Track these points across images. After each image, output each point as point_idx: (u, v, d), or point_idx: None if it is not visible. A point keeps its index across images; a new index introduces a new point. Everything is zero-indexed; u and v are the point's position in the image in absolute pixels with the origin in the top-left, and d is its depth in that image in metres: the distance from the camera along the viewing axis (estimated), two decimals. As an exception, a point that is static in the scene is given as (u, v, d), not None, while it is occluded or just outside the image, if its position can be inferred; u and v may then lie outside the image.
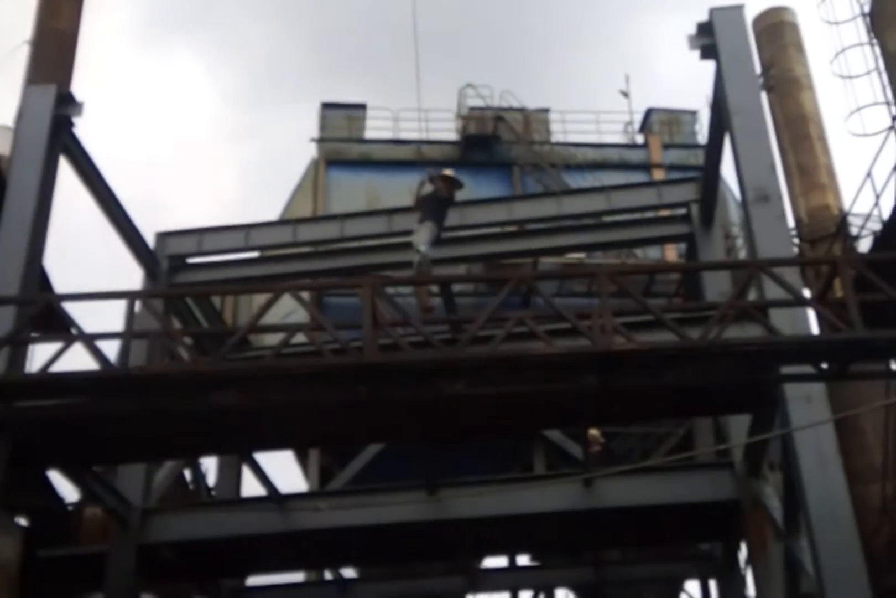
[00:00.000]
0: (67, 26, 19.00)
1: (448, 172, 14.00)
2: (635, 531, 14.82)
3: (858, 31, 16.54)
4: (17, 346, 10.32)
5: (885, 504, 13.58)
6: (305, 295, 14.24)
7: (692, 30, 12.70)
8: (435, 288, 17.62)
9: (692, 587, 21.63)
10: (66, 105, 12.78)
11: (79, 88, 17.12)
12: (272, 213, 22.74)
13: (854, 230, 16.71)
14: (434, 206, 13.48)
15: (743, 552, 15.06)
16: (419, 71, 20.72)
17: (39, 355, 11.36)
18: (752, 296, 11.91)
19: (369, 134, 23.23)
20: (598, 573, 17.47)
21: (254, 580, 18.83)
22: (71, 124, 12.82)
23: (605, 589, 21.44)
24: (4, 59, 19.00)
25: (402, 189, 20.29)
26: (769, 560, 12.51)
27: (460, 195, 18.02)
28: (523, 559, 21.34)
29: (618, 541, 16.30)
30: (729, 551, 15.50)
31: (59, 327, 9.88)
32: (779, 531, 11.79)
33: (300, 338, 10.24)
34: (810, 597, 10.65)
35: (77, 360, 9.78)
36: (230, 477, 19.04)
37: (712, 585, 18.70)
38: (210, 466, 19.87)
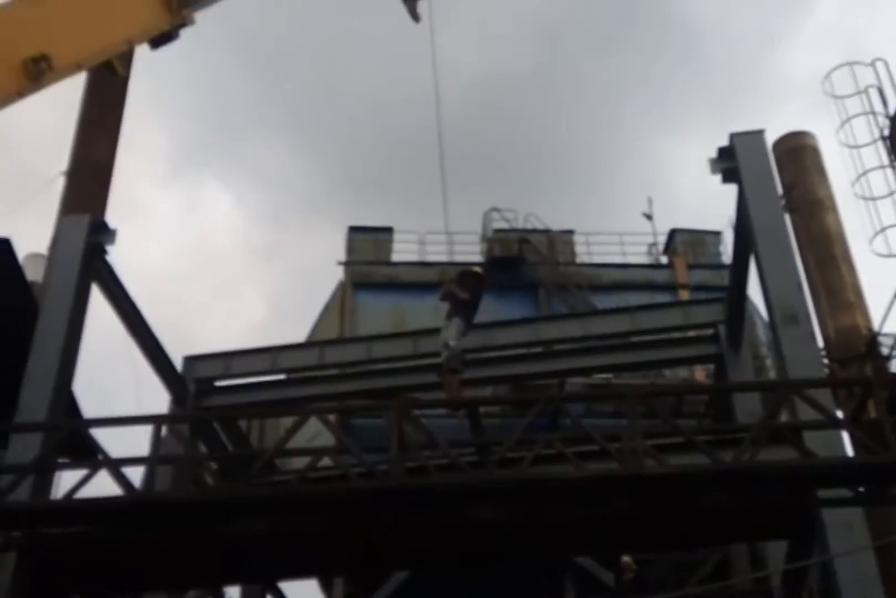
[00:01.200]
0: (103, 158, 19.55)
1: (476, 268, 14.34)
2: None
3: (879, 153, 16.77)
4: (44, 472, 10.26)
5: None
6: (332, 418, 14.20)
7: (713, 153, 12.93)
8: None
9: None
10: (99, 233, 13.07)
11: (112, 218, 17.49)
12: (299, 335, 22.89)
13: (885, 350, 16.58)
14: (459, 304, 13.52)
15: None
16: (446, 193, 21.03)
17: (68, 480, 11.32)
18: (784, 417, 11.75)
19: (396, 257, 23.53)
20: None
21: None
22: (104, 252, 13.08)
23: None
24: (41, 189, 19.51)
25: (427, 311, 20.39)
26: None
27: (487, 317, 18.15)
28: None
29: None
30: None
31: (87, 453, 9.86)
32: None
33: (326, 461, 10.16)
34: None
35: (103, 486, 9.72)
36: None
37: None
38: (234, 595, 19.46)
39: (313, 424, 10.76)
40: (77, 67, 14.67)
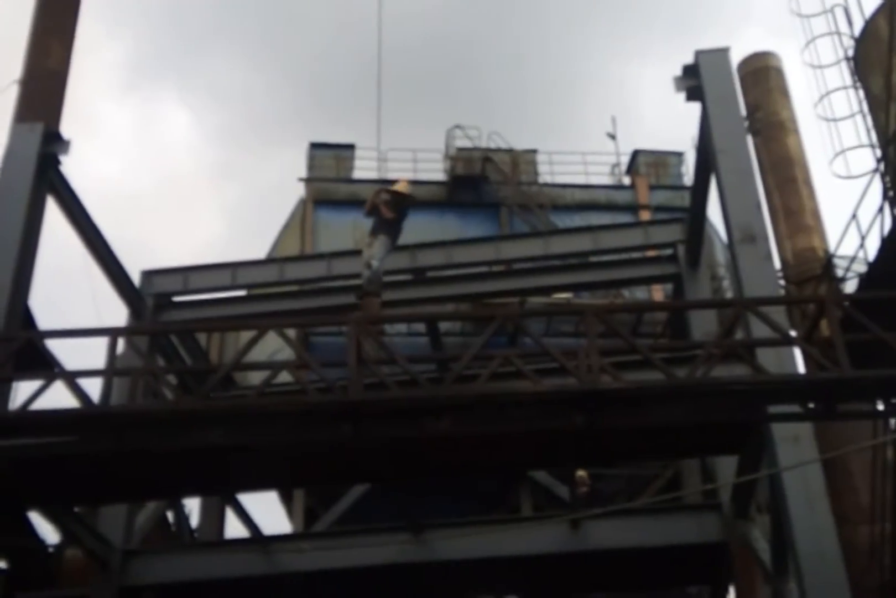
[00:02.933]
0: (57, 66, 19.09)
1: (403, 186, 13.70)
2: (623, 574, 14.65)
3: (842, 74, 16.73)
4: (-1, 383, 10.21)
5: (873, 546, 13.48)
6: (291, 333, 14.19)
7: (678, 73, 12.82)
8: (422, 326, 17.66)
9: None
10: (53, 143, 12.81)
11: (66, 128, 17.15)
12: (260, 252, 22.76)
13: (840, 272, 16.78)
14: (383, 221, 13.15)
15: (731, 595, 14.91)
16: (380, 112, 20.81)
17: (24, 393, 11.28)
18: (739, 336, 11.90)
19: (357, 174, 23.33)
20: (585, 616, 17.28)
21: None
22: (58, 162, 12.84)
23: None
24: (-6, 98, 19.04)
25: (389, 229, 20.32)
26: (758, 603, 12.39)
27: (448, 234, 18.10)
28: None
29: (605, 584, 16.07)
30: (717, 594, 15.32)
31: (43, 366, 9.78)
32: (767, 574, 11.67)
33: (286, 377, 10.16)
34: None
35: (60, 398, 9.68)
36: (213, 519, 18.84)
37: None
38: (193, 507, 19.67)
39: (273, 341, 10.73)
40: None
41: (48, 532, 16.76)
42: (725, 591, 15.00)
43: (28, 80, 18.85)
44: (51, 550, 17.66)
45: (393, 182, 14.27)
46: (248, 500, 18.34)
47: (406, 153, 23.61)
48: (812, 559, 9.67)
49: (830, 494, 10.18)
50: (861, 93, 16.25)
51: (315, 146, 23.43)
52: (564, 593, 17.89)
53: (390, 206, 13.15)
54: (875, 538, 13.74)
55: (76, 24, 19.93)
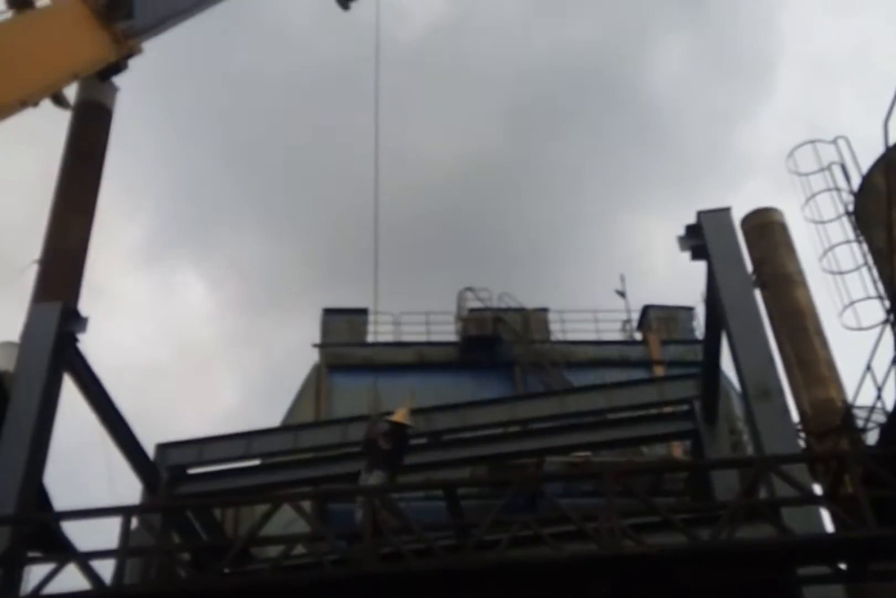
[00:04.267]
0: (76, 246, 19.56)
1: (399, 416, 12.87)
2: None
3: (844, 228, 17.01)
4: (12, 567, 10.02)
5: None
6: (306, 504, 14.01)
7: (681, 230, 13.07)
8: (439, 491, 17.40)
9: None
10: (70, 321, 13.02)
11: (84, 306, 17.44)
12: (275, 419, 22.71)
13: (860, 423, 16.60)
14: (381, 454, 12.41)
15: None
16: (377, 276, 21.22)
17: (38, 575, 11.06)
18: (761, 493, 11.69)
19: (371, 338, 23.52)
20: None
21: None
22: (75, 340, 13.02)
23: None
24: (13, 277, 19.47)
25: (404, 391, 20.31)
26: None
27: (463, 397, 18.06)
28: None
29: None
30: None
31: (57, 546, 9.65)
32: None
33: (302, 549, 9.98)
34: None
35: (75, 581, 9.48)
36: None
37: None
38: None
39: (289, 510, 10.61)
40: (21, 105, 14.63)
41: None
42: None
43: (47, 259, 19.30)
44: None
45: (390, 413, 13.30)
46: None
47: (418, 316, 23.89)
48: None
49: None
50: (864, 246, 16.49)
51: (328, 312, 23.73)
52: None
53: (388, 437, 12.56)
54: None
55: (97, 203, 20.53)
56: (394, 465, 12.46)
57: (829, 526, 10.38)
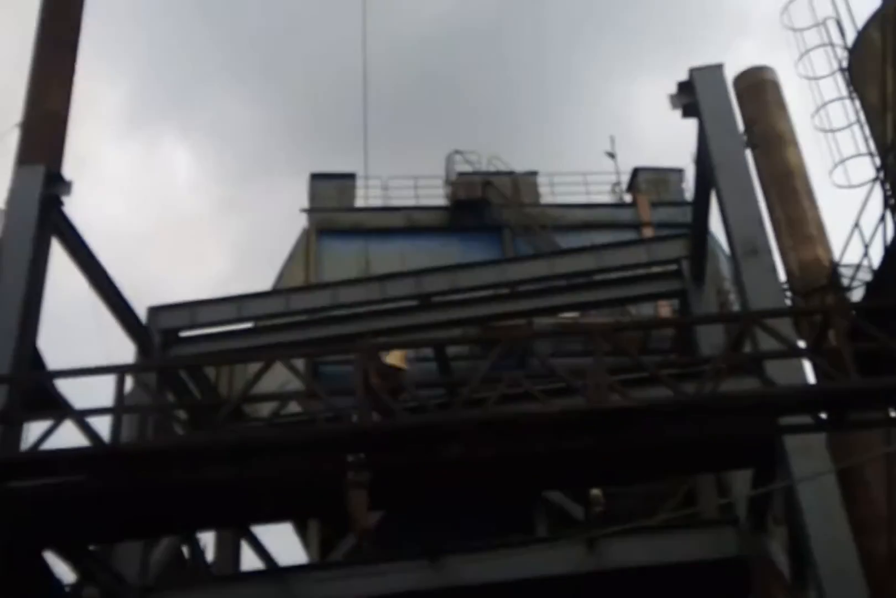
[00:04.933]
0: (57, 108, 19.18)
1: (394, 357, 11.61)
2: (641, 592, 14.53)
3: (838, 85, 16.76)
4: (10, 425, 10.22)
5: (892, 556, 13.35)
6: (300, 364, 14.21)
7: (673, 89, 12.89)
8: (430, 352, 17.65)
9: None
10: (55, 185, 12.91)
11: (68, 170, 17.20)
12: (265, 285, 22.80)
13: (845, 281, 16.74)
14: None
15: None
16: (366, 138, 20.84)
17: (34, 433, 11.29)
18: (747, 349, 11.87)
19: (360, 203, 23.40)
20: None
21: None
22: (60, 203, 12.92)
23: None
24: (-5, 143, 19.16)
25: (393, 256, 20.39)
26: (781, 619, 12.29)
27: (451, 259, 18.12)
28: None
29: (623, 604, 16.00)
30: (740, 607, 15.23)
31: (52, 406, 9.80)
32: (787, 587, 11.60)
33: (296, 408, 10.17)
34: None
35: (71, 438, 9.69)
36: (229, 552, 18.76)
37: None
38: (208, 541, 19.59)
39: (282, 372, 10.76)
40: None
41: (64, 572, 16.71)
42: (747, 605, 14.90)
43: (29, 122, 18.96)
44: (67, 590, 17.61)
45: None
46: (263, 532, 18.31)
47: (407, 180, 23.71)
48: (831, 570, 9.61)
49: (847, 504, 10.13)
50: (857, 103, 16.28)
51: (316, 177, 23.52)
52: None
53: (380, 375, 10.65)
54: (894, 547, 13.60)
55: (75, 66, 20.03)
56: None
57: (812, 380, 10.64)
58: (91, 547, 13.92)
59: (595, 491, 15.89)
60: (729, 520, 13.30)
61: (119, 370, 9.61)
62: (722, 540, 13.05)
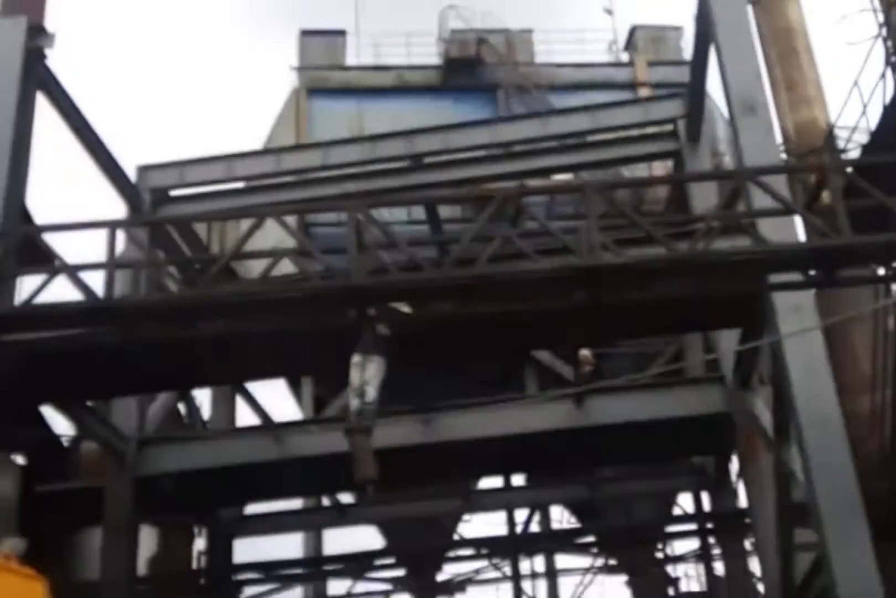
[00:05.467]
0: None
1: (405, 307, 10.27)
2: (627, 448, 14.97)
3: (843, -63, 16.16)
4: (1, 279, 10.20)
5: (874, 415, 13.65)
6: (291, 223, 14.11)
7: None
8: (422, 214, 17.59)
9: (685, 500, 21.98)
10: (38, 37, 12.53)
11: (51, 21, 16.66)
12: (255, 146, 22.46)
13: (842, 144, 16.55)
14: (376, 339, 10.15)
15: (734, 465, 15.26)
16: None
17: (26, 289, 11.29)
18: (741, 208, 11.83)
19: (350, 61, 22.84)
20: (591, 490, 17.71)
21: (252, 509, 19.05)
22: (44, 56, 12.59)
23: (599, 506, 21.78)
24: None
25: (384, 116, 20.03)
26: (761, 471, 12.66)
27: (444, 119, 17.84)
28: (518, 479, 21.62)
29: (610, 458, 16.48)
30: (720, 464, 15.72)
31: (43, 262, 9.76)
32: (770, 442, 11.90)
33: (289, 269, 10.16)
34: (801, 506, 10.77)
35: (62, 293, 9.70)
36: (224, 409, 19.15)
37: (704, 498, 18.97)
38: (204, 399, 19.97)
39: (274, 234, 10.69)
40: None
41: (64, 428, 17.07)
42: (728, 461, 15.36)
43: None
44: (67, 444, 18.02)
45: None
46: (258, 390, 18.64)
47: (399, 38, 23.10)
48: (814, 423, 9.85)
49: (832, 365, 10.28)
50: (863, -44, 15.74)
51: (306, 34, 22.87)
52: (571, 469, 18.32)
53: (387, 322, 10.32)
54: (876, 406, 13.89)
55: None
56: (391, 352, 10.40)
57: (804, 239, 10.65)
58: (89, 402, 14.19)
59: (584, 351, 16.08)
60: (715, 378, 13.56)
61: (111, 225, 9.53)
62: (708, 397, 13.35)
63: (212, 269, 9.53)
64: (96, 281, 9.66)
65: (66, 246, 9.64)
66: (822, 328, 10.40)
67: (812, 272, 9.02)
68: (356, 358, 9.90)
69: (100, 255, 9.53)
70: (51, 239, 9.61)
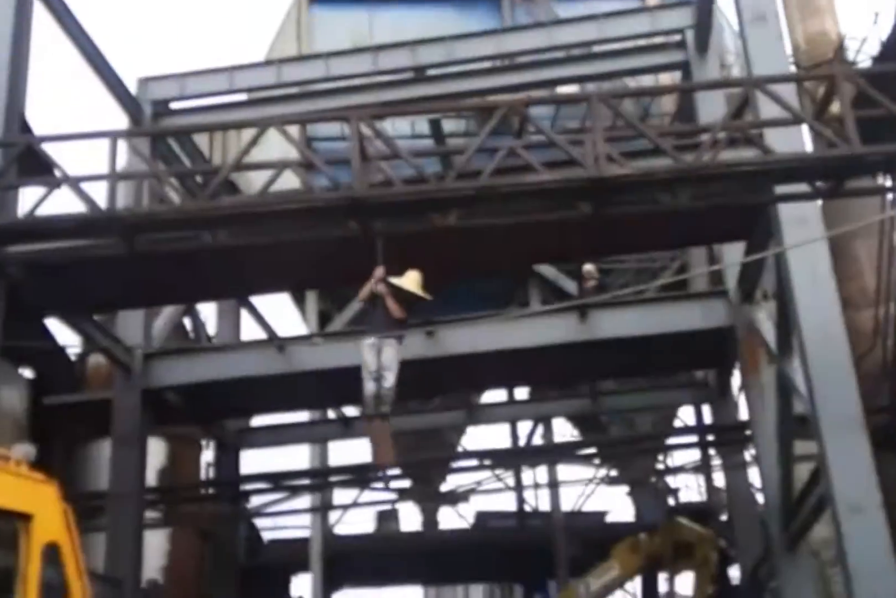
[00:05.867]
0: None
1: (408, 280, 9.95)
2: (631, 361, 15.04)
3: None
4: (4, 190, 10.16)
5: (876, 328, 13.72)
6: (294, 134, 13.96)
7: None
8: (426, 128, 17.39)
9: (686, 413, 22.25)
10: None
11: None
12: (256, 57, 22.11)
13: (852, 55, 16.30)
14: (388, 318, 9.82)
15: (736, 378, 15.37)
16: None
17: (28, 201, 11.25)
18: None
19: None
20: (594, 403, 17.87)
21: (259, 421, 19.31)
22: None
23: (601, 419, 22.06)
24: None
25: (387, 25, 19.65)
26: (762, 384, 12.76)
27: (447, 30, 17.49)
28: (522, 393, 21.86)
29: (613, 372, 16.59)
30: (722, 377, 15.83)
31: (45, 174, 9.70)
32: (772, 355, 11.96)
33: (293, 184, 10.09)
34: (802, 418, 10.88)
35: (64, 205, 9.65)
36: (229, 324, 19.27)
37: (706, 411, 19.19)
38: (209, 315, 20.07)
39: (276, 148, 10.63)
40: None
41: (71, 342, 17.21)
42: (730, 374, 15.47)
43: None
44: (74, 357, 18.19)
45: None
46: (263, 306, 18.70)
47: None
48: (816, 337, 9.86)
49: (837, 279, 10.25)
50: None
51: (306, -60, 22.26)
52: (574, 382, 18.49)
53: (399, 302, 9.86)
54: (879, 320, 13.95)
55: None
56: (402, 332, 10.12)
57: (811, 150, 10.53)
58: (94, 316, 14.26)
59: (588, 266, 16.08)
60: (718, 292, 13.57)
61: (112, 135, 9.44)
62: (711, 311, 13.37)
63: (214, 180, 9.46)
64: (98, 193, 9.64)
65: (67, 162, 9.58)
66: (827, 241, 10.35)
67: (819, 183, 8.94)
68: (371, 340, 9.72)
69: (102, 168, 9.49)
70: (52, 151, 9.55)
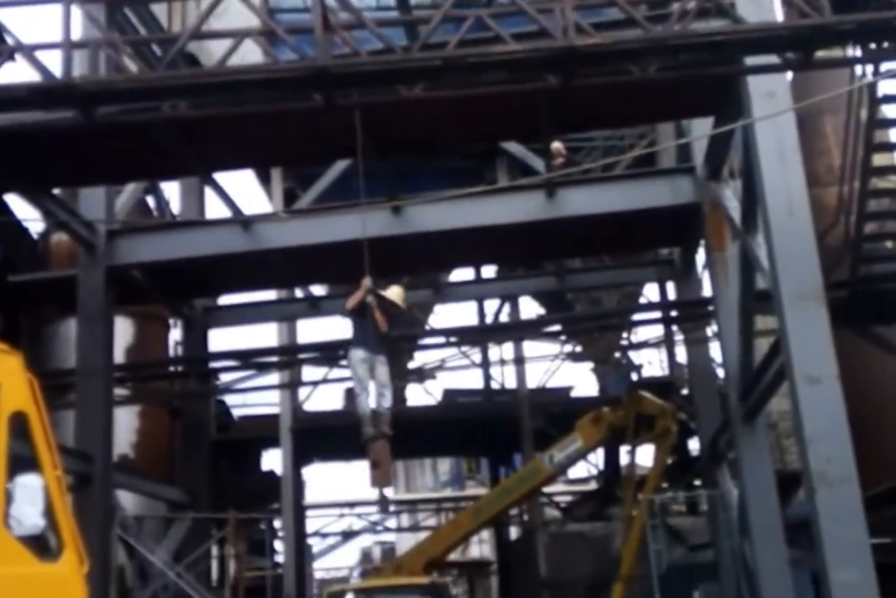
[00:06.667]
0: None
1: (393, 292, 10.38)
2: (597, 238, 15.09)
3: None
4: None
5: (840, 205, 13.79)
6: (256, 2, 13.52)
7: None
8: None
9: (651, 291, 22.48)
10: None
11: None
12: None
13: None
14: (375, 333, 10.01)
15: (700, 256, 15.47)
16: None
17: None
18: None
19: None
20: (560, 281, 17.96)
21: (226, 299, 19.31)
22: None
23: (567, 296, 22.24)
24: None
25: None
26: (726, 260, 12.86)
27: None
28: (489, 271, 21.95)
29: (579, 250, 16.63)
30: (687, 255, 15.91)
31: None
32: (736, 231, 12.02)
33: (255, 58, 9.83)
34: (764, 293, 11.00)
35: (16, 75, 9.38)
36: (193, 203, 19.08)
37: (670, 288, 19.38)
38: (173, 193, 19.84)
39: (238, 19, 10.29)
40: None
41: (32, 219, 16.97)
42: (695, 251, 15.56)
43: None
44: (36, 235, 18.01)
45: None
46: (228, 186, 18.47)
47: None
48: (780, 212, 9.88)
49: (803, 156, 10.21)
50: None
51: None
52: (540, 260, 18.56)
53: (386, 316, 10.08)
54: (843, 197, 14.00)
55: None
56: (386, 347, 10.52)
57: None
58: (55, 193, 14.02)
59: (556, 143, 15.90)
60: (685, 169, 13.53)
61: (66, 0, 9.08)
62: (678, 188, 13.35)
63: (173, 48, 9.18)
64: (53, 63, 9.33)
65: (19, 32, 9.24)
66: (795, 118, 10.28)
67: (789, 55, 8.81)
68: (361, 354, 9.87)
69: (55, 37, 9.16)
70: (3, 18, 9.20)
